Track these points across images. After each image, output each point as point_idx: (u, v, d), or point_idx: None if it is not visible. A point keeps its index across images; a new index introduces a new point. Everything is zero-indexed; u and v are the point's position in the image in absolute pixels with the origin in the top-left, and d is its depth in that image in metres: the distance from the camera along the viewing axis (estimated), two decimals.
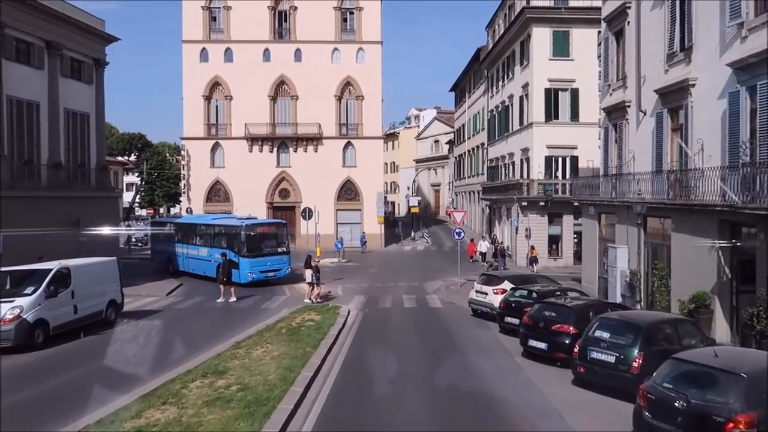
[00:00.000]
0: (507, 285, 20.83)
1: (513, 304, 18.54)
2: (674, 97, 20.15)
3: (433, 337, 18.69)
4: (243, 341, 16.25)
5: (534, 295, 18.52)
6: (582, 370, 13.16)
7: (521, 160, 40.82)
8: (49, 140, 28.20)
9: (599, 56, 28.34)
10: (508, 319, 18.43)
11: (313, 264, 24.74)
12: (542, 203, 37.74)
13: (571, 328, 14.79)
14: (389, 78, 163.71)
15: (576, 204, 37.55)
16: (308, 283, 24.72)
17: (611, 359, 12.58)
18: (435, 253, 45.22)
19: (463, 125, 61.85)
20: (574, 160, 38.52)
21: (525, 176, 39.33)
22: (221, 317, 21.99)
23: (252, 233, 28.39)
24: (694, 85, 18.76)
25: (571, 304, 16.22)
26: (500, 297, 20.38)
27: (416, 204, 53.96)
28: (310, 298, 24.26)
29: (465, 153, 60.71)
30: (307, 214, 29.44)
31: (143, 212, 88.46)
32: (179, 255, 32.34)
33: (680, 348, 11.88)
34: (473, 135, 56.86)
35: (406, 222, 58.33)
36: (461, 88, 63.07)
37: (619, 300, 22.81)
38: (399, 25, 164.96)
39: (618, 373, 12.37)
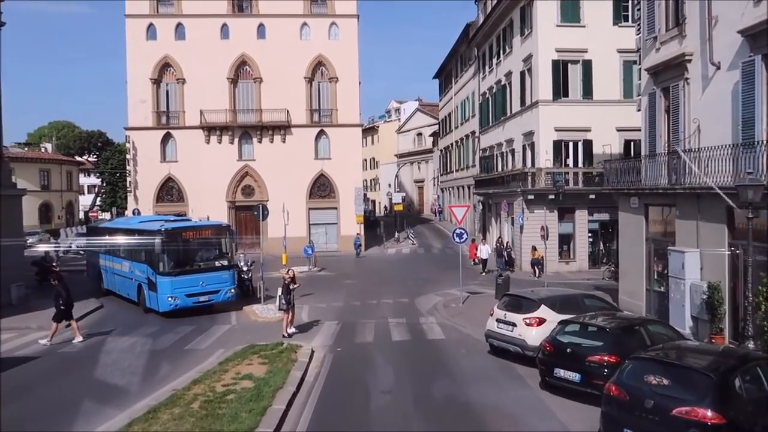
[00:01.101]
0: (546, 312, 13.84)
1: (568, 349, 11.51)
2: None
3: (441, 405, 11.53)
4: None
5: (605, 330, 11.54)
6: None
7: (524, 146, 33.96)
8: None
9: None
10: (560, 372, 11.43)
11: (285, 276, 17.37)
12: (551, 196, 30.89)
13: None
14: (367, 69, 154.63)
15: (592, 197, 31.00)
16: (279, 308, 17.30)
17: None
18: (423, 257, 38.15)
19: (449, 114, 54.94)
20: (588, 145, 31.78)
21: (529, 165, 32.48)
22: (110, 371, 14.06)
23: (174, 241, 19.62)
24: None
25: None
26: (536, 331, 13.44)
27: (400, 201, 46.97)
28: (286, 332, 17.04)
29: (452, 145, 53.81)
30: (261, 212, 21.88)
31: (107, 216, 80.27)
32: (104, 269, 24.81)
33: None
34: (461, 124, 49.95)
35: (389, 222, 51.30)
36: (446, 74, 56.14)
37: (689, 325, 16.01)
38: (375, 11, 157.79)
39: None
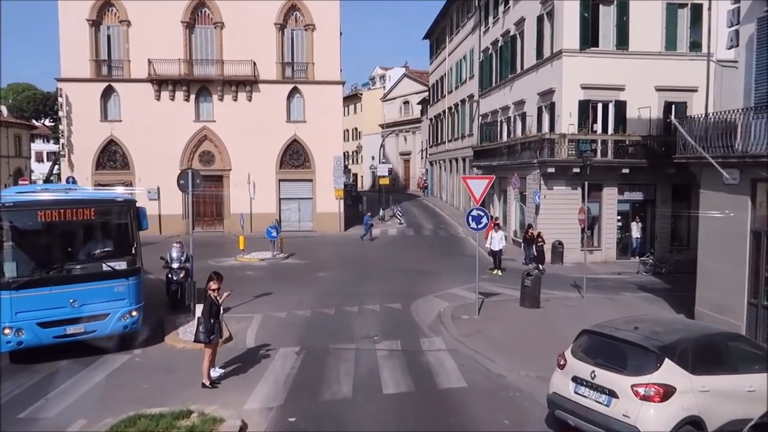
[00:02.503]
0: (674, 373, 7.24)
1: None
2: None
3: None
4: None
5: None
6: None
7: (539, 108, 27.18)
8: None
9: None
10: None
11: (211, 290, 10.43)
12: (576, 170, 24.30)
13: None
14: (349, 32, 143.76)
15: (625, 171, 24.39)
16: (197, 340, 10.36)
17: None
18: (414, 240, 31.42)
19: (441, 78, 47.81)
20: (620, 106, 25.12)
21: (547, 131, 25.76)
22: None
23: (18, 226, 11.18)
24: None
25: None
26: (659, 410, 6.90)
27: (386, 174, 40.02)
28: (207, 379, 10.17)
29: (444, 112, 46.80)
30: (190, 180, 14.34)
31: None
32: None
33: None
34: (456, 87, 42.91)
35: (373, 197, 44.43)
36: (439, 32, 48.83)
37: None
38: None
39: None
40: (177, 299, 15.47)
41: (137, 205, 12.33)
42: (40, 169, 74.48)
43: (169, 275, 15.62)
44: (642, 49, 24.85)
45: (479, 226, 14.97)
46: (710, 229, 14.67)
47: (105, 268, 11.65)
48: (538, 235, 23.06)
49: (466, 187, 15.13)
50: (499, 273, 21.94)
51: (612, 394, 7.46)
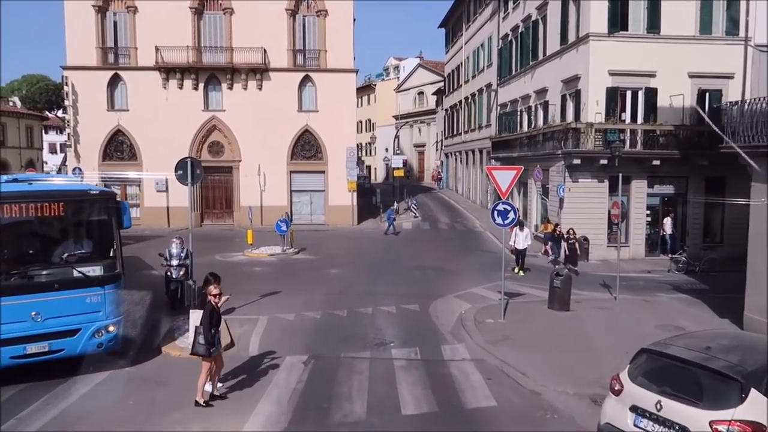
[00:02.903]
0: (763, 407, 5.85)
1: None
2: None
3: None
4: None
5: None
6: None
7: (563, 97, 25.61)
8: None
9: None
10: None
11: (212, 294, 9.13)
12: (603, 161, 22.78)
13: None
14: (362, 22, 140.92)
15: (656, 162, 22.86)
16: (194, 353, 8.94)
17: None
18: (429, 234, 30.02)
19: (457, 68, 46.19)
20: (651, 94, 23.48)
21: (573, 120, 24.21)
22: None
23: None
24: None
25: None
26: None
27: (400, 165, 38.58)
28: (201, 397, 8.86)
29: (460, 103, 45.22)
30: (190, 170, 12.92)
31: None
32: None
33: None
34: (473, 77, 41.32)
35: (386, 190, 43.06)
36: (455, 20, 47.15)
37: None
38: None
39: None
40: (177, 299, 14.24)
41: (117, 199, 10.61)
42: (53, 160, 73.90)
43: (168, 273, 14.40)
44: (674, 33, 23.19)
45: (506, 222, 13.55)
46: (763, 226, 13.14)
47: (76, 274, 9.64)
48: (569, 231, 21.04)
49: (491, 179, 13.70)
50: (521, 273, 20.17)
51: (684, 431, 6.08)
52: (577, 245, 20.64)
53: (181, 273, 14.18)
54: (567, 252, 20.70)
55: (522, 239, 20.14)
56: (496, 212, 13.62)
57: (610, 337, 12.70)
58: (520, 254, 20.43)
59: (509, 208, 13.47)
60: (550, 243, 22.41)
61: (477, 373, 10.62)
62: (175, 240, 14.70)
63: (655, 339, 13.02)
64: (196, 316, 9.17)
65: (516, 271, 20.30)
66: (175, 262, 14.31)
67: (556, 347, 11.97)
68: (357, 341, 12.28)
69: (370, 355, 11.42)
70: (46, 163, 68.75)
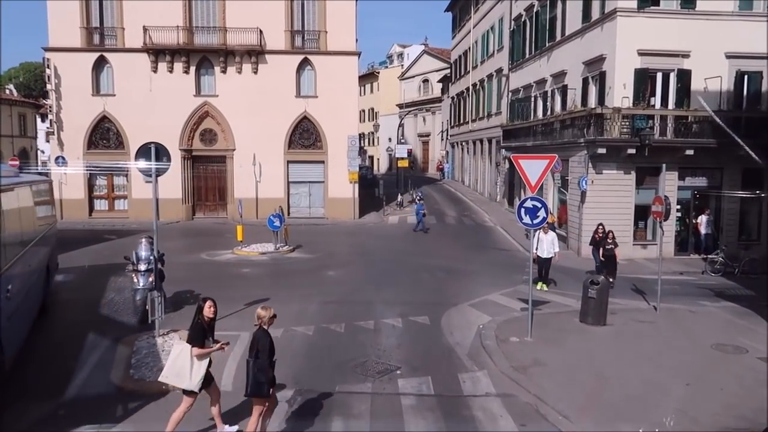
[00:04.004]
0: None
1: None
2: None
3: None
4: None
5: None
6: None
7: (585, 80, 23.10)
8: None
9: None
10: None
11: (206, 311, 7.08)
12: (631, 150, 20.36)
13: None
14: (366, 12, 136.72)
15: (689, 152, 20.36)
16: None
17: None
18: (436, 230, 27.62)
19: (465, 53, 43.59)
20: (684, 76, 20.97)
21: (594, 105, 21.73)
22: None
23: None
24: None
25: None
26: None
27: (405, 155, 36.11)
28: None
29: (467, 89, 42.66)
30: (153, 158, 10.79)
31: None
32: None
33: None
34: (482, 62, 38.76)
35: (390, 181, 40.64)
36: (462, 3, 44.44)
37: None
38: None
39: None
40: (144, 313, 11.93)
41: None
42: (48, 149, 71.54)
43: (135, 280, 12.06)
44: (711, 9, 20.66)
45: (536, 222, 11.15)
46: None
47: None
48: (606, 234, 17.10)
49: (518, 170, 11.29)
50: (545, 288, 15.95)
51: None
52: (616, 251, 16.89)
53: (150, 280, 11.85)
54: (603, 258, 16.86)
55: (547, 245, 15.92)
56: (523, 210, 11.22)
57: (663, 362, 10.37)
58: (544, 265, 16.09)
59: (539, 204, 11.07)
60: (591, 247, 18.40)
61: (506, 414, 8.29)
62: (143, 240, 12.35)
63: (717, 364, 10.81)
64: (180, 350, 6.91)
65: (540, 286, 15.80)
66: (143, 267, 11.97)
67: (601, 377, 9.64)
68: (356, 368, 9.96)
69: (372, 388, 9.09)
70: (43, 152, 66.41)
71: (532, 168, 11.06)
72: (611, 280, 15.31)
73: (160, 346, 10.34)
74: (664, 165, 14.70)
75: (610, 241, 16.71)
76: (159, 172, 10.63)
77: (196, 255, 19.63)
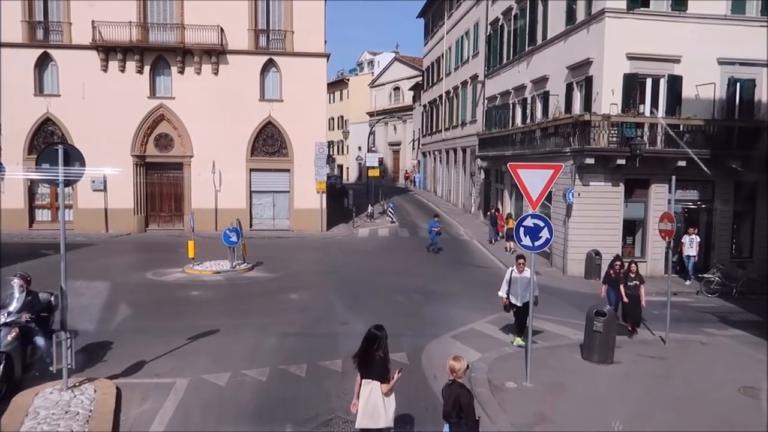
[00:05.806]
0: None
1: None
2: None
3: None
4: None
5: None
6: None
7: (569, 85, 21.51)
8: None
9: None
10: None
11: None
12: (620, 161, 18.74)
13: None
14: (336, 21, 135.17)
15: (682, 163, 18.78)
16: None
17: None
18: (409, 243, 25.64)
19: (438, 60, 41.95)
20: (675, 82, 19.50)
21: (584, 112, 20.09)
22: None
23: None
24: None
25: None
26: None
27: (375, 164, 34.08)
28: None
29: (440, 97, 40.97)
30: (61, 161, 8.70)
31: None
32: None
33: None
34: (456, 68, 37.11)
35: (360, 191, 38.57)
36: (436, 8, 42.82)
37: None
38: None
39: None
40: (9, 373, 8.40)
41: None
42: None
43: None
44: (703, 12, 19.28)
45: (536, 245, 9.20)
46: None
47: None
48: (627, 269, 13.00)
49: (516, 181, 9.31)
50: (521, 342, 11.34)
51: None
52: (642, 289, 12.65)
53: (12, 335, 8.55)
54: (625, 299, 12.62)
55: (522, 288, 11.25)
56: (522, 229, 9.27)
57: (687, 413, 8.54)
58: (518, 314, 11.51)
59: (542, 223, 9.13)
60: (605, 286, 13.72)
61: None
62: (14, 278, 9.20)
63: (748, 413, 8.98)
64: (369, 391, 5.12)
65: (514, 341, 11.79)
66: (2, 318, 8.73)
67: None
68: (319, 428, 7.82)
69: None
70: None
71: (534, 179, 9.12)
72: (636, 329, 12.63)
73: (67, 403, 7.96)
74: (673, 177, 12.93)
75: (633, 275, 12.68)
76: (69, 182, 8.33)
77: (140, 274, 17.16)
